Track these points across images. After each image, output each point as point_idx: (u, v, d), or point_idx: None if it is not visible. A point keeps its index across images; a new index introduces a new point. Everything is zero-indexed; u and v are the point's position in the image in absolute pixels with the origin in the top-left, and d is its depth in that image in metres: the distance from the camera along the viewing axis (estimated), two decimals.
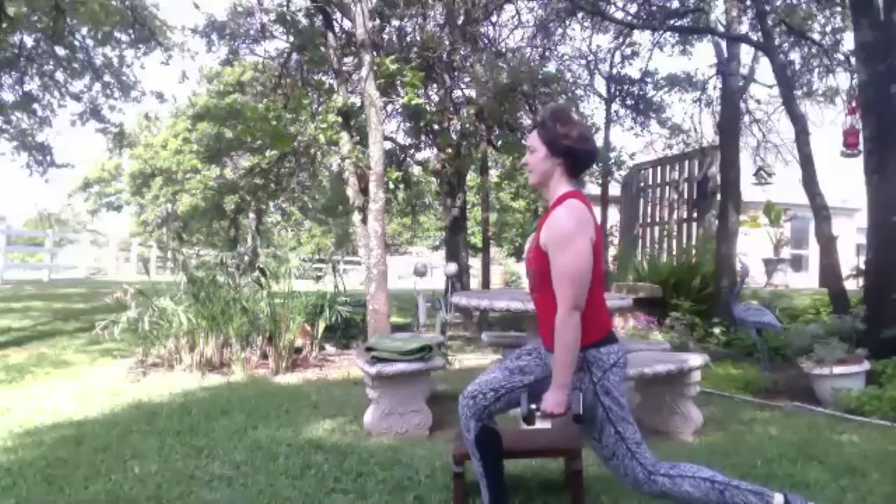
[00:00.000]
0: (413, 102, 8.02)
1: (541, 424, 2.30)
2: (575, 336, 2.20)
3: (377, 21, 8.71)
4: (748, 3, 8.76)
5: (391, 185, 8.31)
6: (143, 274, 11.71)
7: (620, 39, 11.52)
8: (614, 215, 12.24)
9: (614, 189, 11.99)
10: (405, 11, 9.22)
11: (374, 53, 7.38)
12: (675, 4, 10.16)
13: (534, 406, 2.28)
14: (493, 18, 10.43)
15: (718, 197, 8.46)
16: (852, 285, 7.08)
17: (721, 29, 9.04)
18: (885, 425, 4.17)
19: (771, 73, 8.86)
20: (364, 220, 7.20)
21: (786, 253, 14.81)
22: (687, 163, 10.18)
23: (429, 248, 31.59)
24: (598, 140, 11.05)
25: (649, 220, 10.80)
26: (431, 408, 4.14)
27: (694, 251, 9.10)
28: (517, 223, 14.15)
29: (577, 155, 2.34)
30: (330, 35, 7.92)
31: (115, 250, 22.19)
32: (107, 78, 13.61)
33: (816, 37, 10.57)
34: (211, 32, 10.41)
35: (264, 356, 6.20)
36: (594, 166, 10.67)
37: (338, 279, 8.02)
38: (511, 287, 16.46)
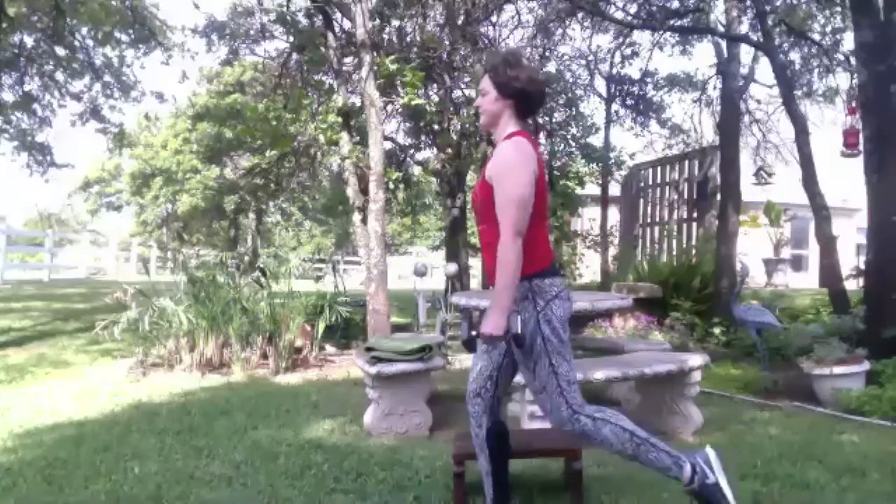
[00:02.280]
0: (413, 102, 8.02)
1: (481, 347, 2.40)
2: (516, 259, 2.25)
3: (377, 21, 8.72)
4: (748, 3, 8.76)
5: (391, 185, 8.32)
6: (143, 274, 11.72)
7: (620, 39, 11.53)
8: (614, 215, 12.24)
9: (614, 189, 11.99)
10: (405, 11, 9.23)
11: (374, 53, 7.38)
12: (675, 4, 10.16)
13: (474, 332, 2.32)
14: (493, 18, 10.45)
15: (718, 197, 8.46)
16: (852, 285, 7.07)
17: (721, 29, 9.04)
18: (885, 425, 4.17)
19: (771, 73, 8.88)
20: (364, 220, 7.20)
21: (786, 253, 14.81)
22: (687, 163, 10.18)
23: (429, 248, 31.59)
24: (598, 140, 11.07)
25: (649, 220, 10.80)
26: (431, 408, 4.14)
27: (694, 251, 9.09)
28: None
29: (526, 96, 2.44)
30: (330, 35, 7.92)
31: (115, 250, 22.18)
32: (107, 78, 13.61)
33: (816, 37, 10.58)
34: (211, 32, 10.43)
35: (264, 356, 6.20)
36: (595, 166, 10.70)
37: (338, 279, 8.02)
38: None
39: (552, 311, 2.35)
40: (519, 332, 2.24)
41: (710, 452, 2.37)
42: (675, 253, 9.65)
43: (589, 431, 2.35)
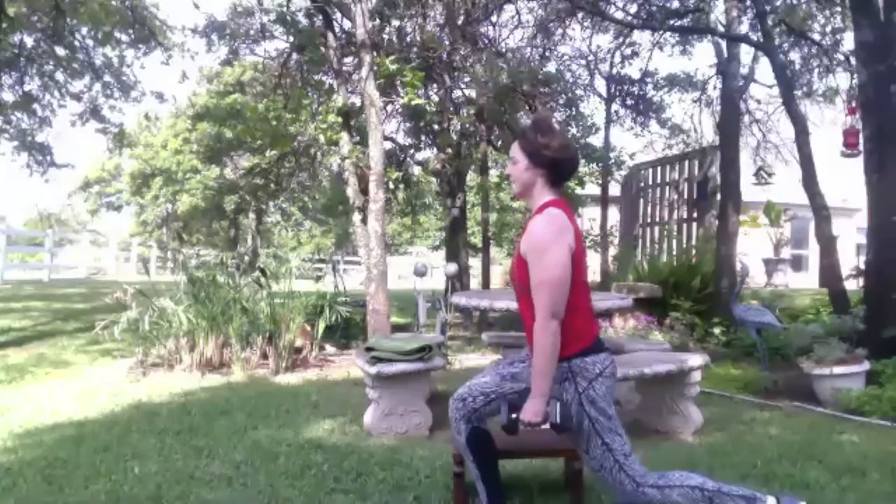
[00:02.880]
0: (413, 102, 8.02)
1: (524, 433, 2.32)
2: (552, 345, 2.18)
3: (377, 21, 8.71)
4: (748, 3, 8.76)
5: (391, 185, 8.32)
6: (143, 274, 11.72)
7: (620, 39, 11.53)
8: (614, 215, 12.24)
9: (614, 189, 11.99)
10: (405, 11, 9.22)
11: (374, 53, 7.38)
12: (675, 4, 10.17)
13: (514, 416, 2.26)
14: (493, 18, 10.44)
15: (718, 197, 8.46)
16: (852, 285, 7.07)
17: (721, 29, 9.04)
18: (885, 425, 4.17)
19: (771, 73, 8.87)
20: (364, 220, 7.20)
21: (786, 253, 14.81)
22: (687, 163, 10.18)
23: (429, 248, 31.58)
24: (598, 140, 11.06)
25: (649, 220, 10.79)
26: (431, 408, 4.14)
27: (694, 251, 9.09)
28: (517, 223, 14.16)
29: (558, 165, 2.35)
30: (330, 35, 7.92)
31: (115, 250, 22.19)
32: (107, 78, 13.61)
33: (816, 37, 10.58)
34: (211, 32, 10.42)
35: (264, 356, 6.20)
36: (595, 166, 10.69)
37: (338, 279, 8.02)
38: (511, 287, 16.46)
39: (595, 391, 2.26)
40: (557, 421, 2.20)
41: None
42: (675, 253, 9.65)
43: (659, 500, 2.27)
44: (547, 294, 2.20)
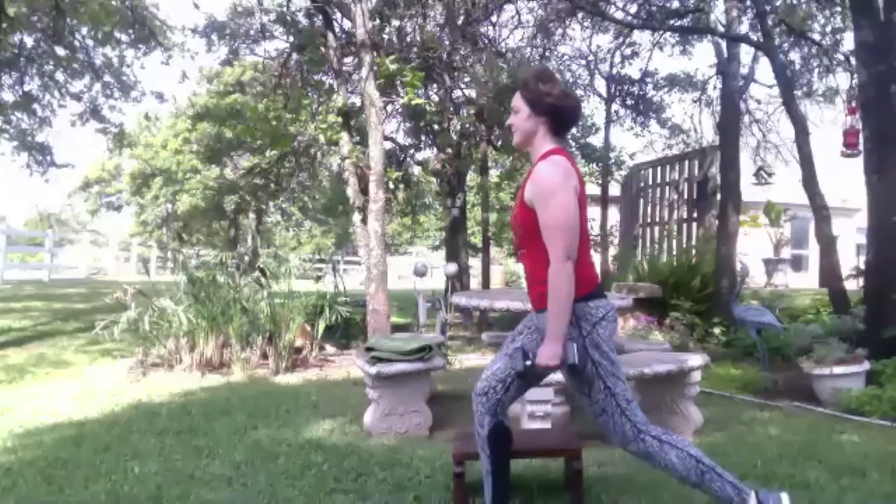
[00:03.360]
0: (413, 102, 8.02)
1: (538, 394, 2.31)
2: (568, 286, 2.21)
3: (377, 21, 8.71)
4: (748, 3, 8.76)
5: (391, 185, 8.32)
6: (143, 274, 11.72)
7: (620, 39, 11.54)
8: (614, 215, 12.24)
9: (614, 189, 11.99)
10: (405, 11, 9.22)
11: (374, 53, 7.38)
12: (675, 4, 10.17)
13: (528, 362, 2.27)
14: (493, 18, 10.44)
15: (718, 197, 8.46)
16: (852, 285, 7.07)
17: (721, 29, 9.03)
18: (885, 425, 4.17)
19: (771, 73, 8.87)
20: (364, 220, 7.20)
21: (786, 253, 14.80)
22: (687, 163, 10.18)
23: (429, 248, 31.57)
24: (598, 140, 11.07)
25: (649, 220, 10.80)
26: (431, 408, 4.14)
27: (694, 251, 9.09)
28: None
29: (560, 112, 2.37)
30: (330, 35, 7.92)
31: (115, 250, 22.19)
32: (107, 78, 13.60)
33: (816, 37, 10.57)
34: (211, 32, 10.42)
35: (264, 356, 6.20)
36: (595, 166, 10.70)
37: (338, 279, 8.02)
38: (511, 287, 16.47)
39: (598, 335, 2.29)
40: (576, 361, 2.21)
41: (785, 498, 2.29)
42: (675, 253, 9.65)
43: (653, 452, 2.29)
44: (560, 237, 2.22)
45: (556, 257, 2.21)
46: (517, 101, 2.41)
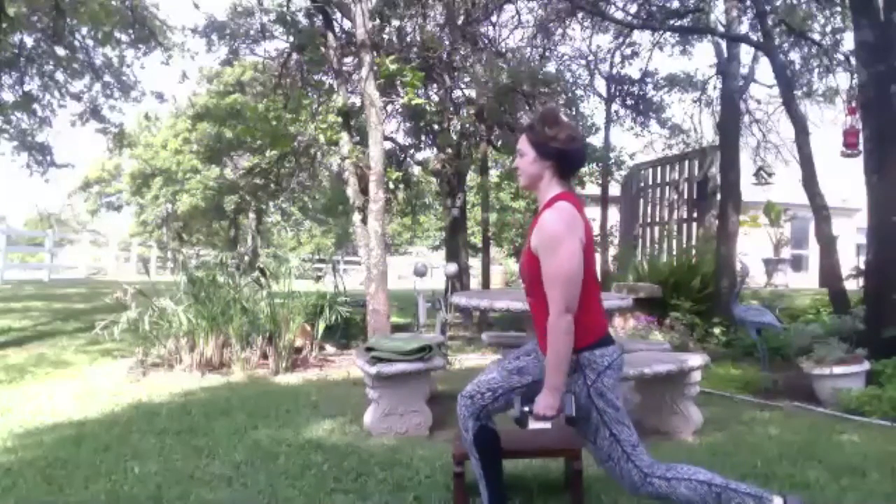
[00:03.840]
0: (413, 102, 8.02)
1: (534, 425, 2.31)
2: (566, 339, 2.19)
3: (377, 21, 8.71)
4: (748, 3, 8.76)
5: (391, 185, 8.31)
6: (143, 274, 11.72)
7: (620, 39, 11.53)
8: (614, 215, 12.24)
9: (614, 189, 11.98)
10: (405, 11, 9.22)
11: (374, 53, 7.37)
12: (675, 4, 10.16)
13: (526, 408, 2.27)
14: (493, 18, 10.44)
15: (718, 197, 8.46)
16: (852, 285, 7.07)
17: (721, 29, 9.03)
18: (885, 425, 4.17)
19: (771, 73, 8.87)
20: (364, 220, 7.20)
21: (786, 253, 14.81)
22: (687, 163, 10.17)
23: (429, 248, 31.57)
24: (598, 140, 11.06)
25: (649, 220, 10.79)
26: (431, 408, 4.14)
27: (694, 251, 9.09)
28: (517, 223, 14.16)
29: (566, 157, 2.34)
30: (330, 35, 7.92)
31: (115, 250, 22.19)
32: (107, 78, 13.60)
33: (816, 37, 10.57)
34: (211, 32, 10.41)
35: (264, 356, 6.20)
36: (595, 166, 10.69)
37: (338, 279, 8.02)
38: (511, 287, 16.48)
39: (603, 384, 2.27)
40: (573, 414, 2.21)
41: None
42: (675, 253, 9.65)
43: (664, 493, 2.27)
44: (560, 288, 2.20)
45: (556, 309, 2.20)
46: (522, 144, 2.38)
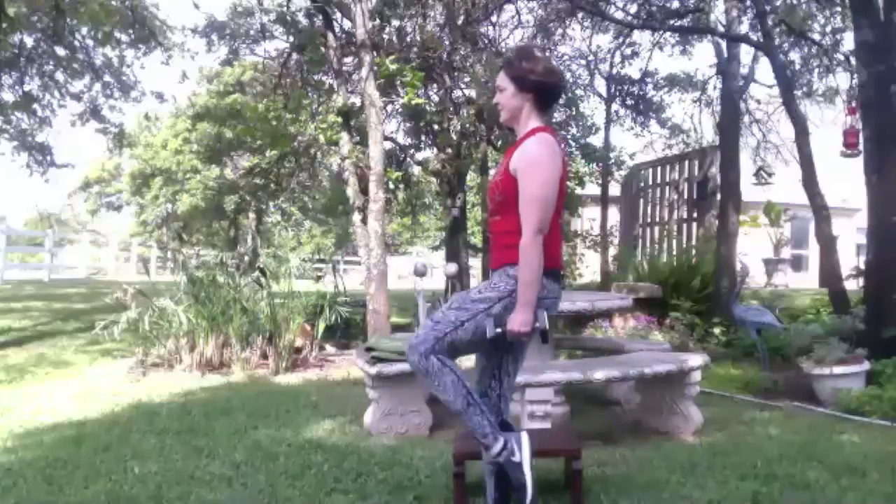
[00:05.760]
0: (413, 102, 8.02)
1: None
2: (538, 256, 2.28)
3: (377, 21, 8.71)
4: (748, 3, 8.76)
5: (391, 185, 8.32)
6: (143, 274, 11.71)
7: (620, 39, 11.53)
8: (614, 215, 12.23)
9: (614, 189, 11.98)
10: (405, 11, 9.22)
11: (374, 53, 7.38)
12: (675, 4, 10.16)
13: (499, 329, 2.32)
14: (493, 18, 10.43)
15: (718, 197, 8.46)
16: (852, 285, 7.07)
17: (721, 29, 9.03)
18: (885, 425, 4.17)
19: (771, 73, 8.87)
20: (364, 220, 7.20)
21: (786, 253, 14.80)
22: (687, 163, 10.17)
23: (429, 248, 31.57)
24: (598, 140, 11.06)
25: (649, 220, 10.79)
26: (431, 408, 4.13)
27: (694, 251, 9.09)
28: None
29: (545, 88, 2.43)
30: (330, 35, 7.92)
31: (115, 250, 22.17)
32: (107, 78, 13.59)
33: (816, 37, 10.57)
34: (211, 32, 10.41)
35: (264, 356, 6.20)
36: (595, 166, 10.69)
37: (338, 279, 8.02)
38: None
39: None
40: (546, 327, 2.28)
41: (524, 436, 2.42)
42: (675, 253, 9.65)
43: (433, 372, 2.36)
44: (537, 210, 2.29)
45: (530, 229, 2.28)
46: (502, 79, 2.47)
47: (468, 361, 2.85)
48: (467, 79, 10.17)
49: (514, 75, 2.42)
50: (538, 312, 2.30)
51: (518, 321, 2.28)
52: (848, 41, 10.09)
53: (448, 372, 2.36)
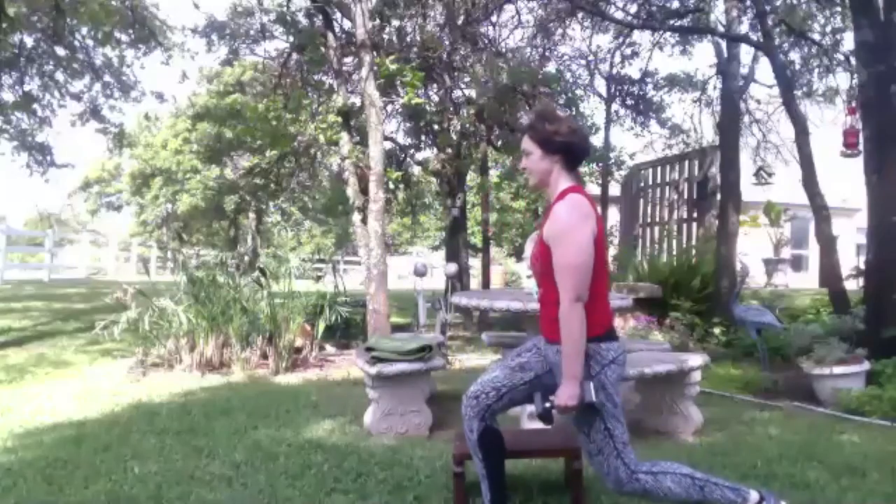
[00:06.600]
0: (413, 102, 8.02)
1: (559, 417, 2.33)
2: (580, 327, 2.21)
3: (377, 21, 8.71)
4: (748, 3, 8.76)
5: (391, 185, 8.31)
6: (143, 274, 11.71)
7: (620, 39, 11.53)
8: (614, 215, 12.24)
9: (614, 189, 11.98)
10: (405, 11, 9.21)
11: (374, 53, 7.37)
12: (675, 4, 10.16)
13: (548, 403, 2.28)
14: (493, 18, 10.43)
15: (718, 197, 8.46)
16: (852, 285, 7.07)
17: (721, 29, 9.03)
18: (885, 425, 4.17)
19: (771, 73, 8.87)
20: (364, 220, 7.20)
21: (786, 253, 14.80)
22: (687, 163, 10.17)
23: (429, 248, 31.56)
24: (598, 140, 11.06)
25: (649, 220, 10.79)
26: (431, 408, 4.14)
27: (694, 251, 9.09)
28: (517, 223, 14.17)
29: (571, 149, 2.38)
30: (330, 35, 7.92)
31: (115, 250, 22.17)
32: (107, 78, 13.59)
33: (816, 37, 10.57)
34: (211, 32, 10.40)
35: (264, 356, 6.20)
36: (595, 166, 10.69)
37: (338, 279, 8.02)
38: (511, 287, 16.48)
39: (606, 377, 2.29)
40: (594, 400, 2.22)
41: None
42: (675, 253, 9.65)
43: (650, 488, 2.30)
44: (572, 277, 2.23)
45: (567, 297, 2.22)
46: (527, 144, 2.41)
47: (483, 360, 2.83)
48: (467, 79, 10.16)
49: (540, 139, 2.37)
50: (584, 384, 2.23)
51: (565, 395, 2.21)
52: (848, 41, 10.11)
53: (661, 478, 2.30)
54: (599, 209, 10.11)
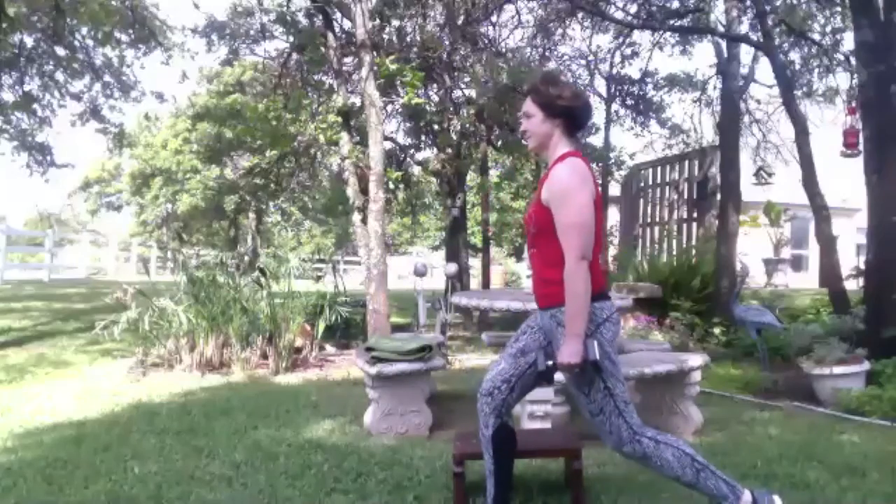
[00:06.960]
0: (413, 102, 8.02)
1: (560, 376, 2.36)
2: (584, 285, 2.23)
3: (377, 21, 8.71)
4: (748, 3, 8.76)
5: (391, 185, 8.31)
6: (143, 274, 11.71)
7: (620, 39, 11.53)
8: (614, 215, 12.23)
9: (614, 189, 11.98)
10: (405, 11, 9.21)
11: (374, 53, 7.37)
12: (675, 4, 10.16)
13: (550, 362, 2.28)
14: (493, 18, 10.43)
15: (718, 197, 8.46)
16: (852, 285, 7.07)
17: (721, 29, 9.03)
18: (885, 425, 4.17)
19: (771, 73, 8.87)
20: (364, 220, 7.20)
21: (786, 253, 14.80)
22: (687, 163, 10.18)
23: (429, 248, 31.56)
24: (598, 140, 11.07)
25: (649, 220, 10.79)
26: (431, 408, 4.14)
27: (694, 251, 9.09)
28: (517, 223, 14.17)
29: (574, 113, 2.40)
30: (330, 35, 7.92)
31: (115, 250, 22.17)
32: (107, 78, 13.58)
33: (816, 37, 10.56)
34: (211, 32, 10.40)
35: (264, 356, 6.20)
36: (595, 166, 10.68)
37: (338, 279, 8.02)
38: (511, 287, 16.48)
39: (602, 336, 2.30)
40: (597, 357, 2.22)
41: (777, 499, 2.35)
42: (675, 253, 9.65)
43: (650, 453, 2.31)
44: (576, 236, 2.24)
45: (572, 256, 2.24)
46: (529, 106, 2.42)
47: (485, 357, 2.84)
48: (467, 79, 10.16)
49: (542, 101, 2.38)
50: (588, 343, 2.22)
51: (567, 353, 2.22)
52: (848, 41, 10.10)
53: (664, 448, 2.31)
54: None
